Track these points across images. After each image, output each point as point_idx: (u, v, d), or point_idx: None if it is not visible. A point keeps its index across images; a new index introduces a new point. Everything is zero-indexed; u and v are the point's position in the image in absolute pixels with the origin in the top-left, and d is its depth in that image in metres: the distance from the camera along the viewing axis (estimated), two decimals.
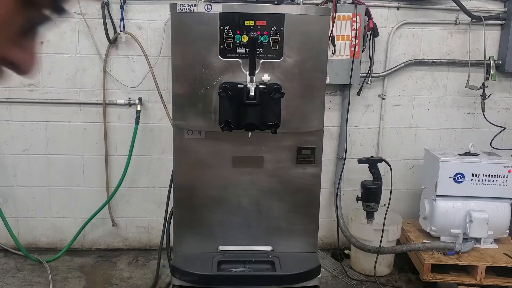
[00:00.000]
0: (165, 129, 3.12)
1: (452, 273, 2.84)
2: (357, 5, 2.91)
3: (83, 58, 3.04)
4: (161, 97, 2.99)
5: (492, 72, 3.10)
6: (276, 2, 1.96)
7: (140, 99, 3.07)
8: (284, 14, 1.91)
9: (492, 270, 2.81)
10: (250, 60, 1.83)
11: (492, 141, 3.22)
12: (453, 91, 3.24)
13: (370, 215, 2.59)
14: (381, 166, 2.56)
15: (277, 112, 1.92)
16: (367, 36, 3.02)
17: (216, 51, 1.93)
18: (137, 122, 3.06)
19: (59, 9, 0.51)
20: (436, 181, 2.87)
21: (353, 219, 3.07)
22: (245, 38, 1.91)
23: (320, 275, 2.10)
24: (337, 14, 2.91)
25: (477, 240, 2.89)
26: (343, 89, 3.15)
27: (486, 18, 3.07)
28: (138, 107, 3.06)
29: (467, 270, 2.85)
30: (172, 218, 2.30)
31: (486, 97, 3.10)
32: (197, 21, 1.93)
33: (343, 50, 2.97)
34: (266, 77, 1.87)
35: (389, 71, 3.15)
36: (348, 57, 2.97)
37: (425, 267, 2.77)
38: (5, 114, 3.08)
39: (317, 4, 2.93)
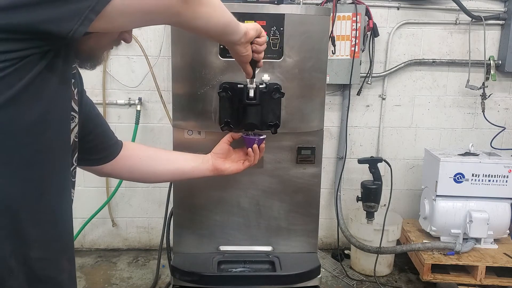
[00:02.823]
0: (165, 129, 3.12)
1: (452, 273, 2.84)
2: (357, 5, 2.91)
3: None
4: (161, 97, 2.99)
5: (492, 72, 3.10)
6: (276, 2, 1.96)
7: (140, 99, 3.07)
8: (284, 14, 1.91)
9: (492, 270, 2.81)
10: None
11: (492, 141, 3.22)
12: (453, 91, 3.24)
13: (370, 215, 2.60)
14: (381, 166, 2.57)
15: (277, 112, 1.91)
16: (367, 36, 3.03)
17: (216, 51, 1.93)
18: (137, 122, 3.05)
19: None
20: (436, 181, 2.87)
21: (353, 219, 3.07)
22: None
23: (320, 275, 2.10)
24: (337, 14, 2.91)
25: (477, 240, 2.89)
26: (343, 89, 3.15)
27: (486, 18, 3.07)
28: (138, 107, 3.06)
29: (467, 270, 2.85)
30: (172, 218, 2.30)
31: (486, 97, 3.11)
32: None
33: (343, 50, 2.97)
34: (266, 77, 1.87)
35: (389, 71, 3.15)
36: (348, 57, 2.97)
37: (425, 267, 2.77)
38: None
39: (317, 4, 2.93)
